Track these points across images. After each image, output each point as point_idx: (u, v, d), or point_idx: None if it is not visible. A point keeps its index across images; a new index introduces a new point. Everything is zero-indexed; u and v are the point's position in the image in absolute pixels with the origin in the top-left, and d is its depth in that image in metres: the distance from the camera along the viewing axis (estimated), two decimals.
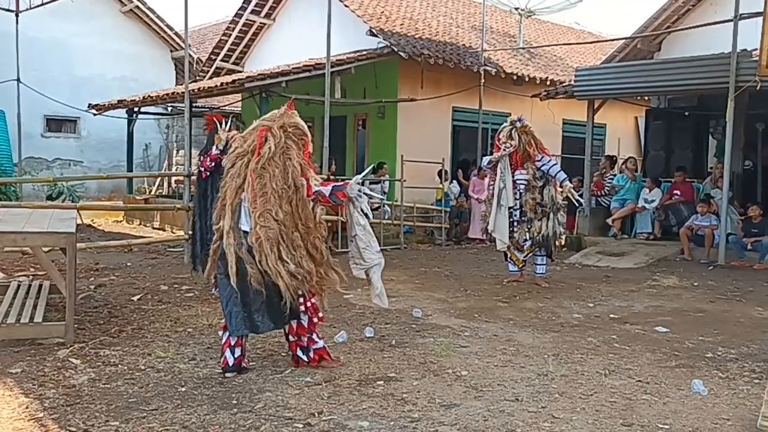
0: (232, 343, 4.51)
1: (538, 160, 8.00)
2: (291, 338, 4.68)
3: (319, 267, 4.46)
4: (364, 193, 4.58)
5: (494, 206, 8.00)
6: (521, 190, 8.01)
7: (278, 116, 4.56)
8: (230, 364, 4.50)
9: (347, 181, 4.61)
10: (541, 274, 8.25)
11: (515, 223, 8.07)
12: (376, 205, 12.43)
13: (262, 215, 4.31)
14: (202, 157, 6.92)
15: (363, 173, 5.07)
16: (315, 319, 4.68)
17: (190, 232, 7.36)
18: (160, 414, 3.79)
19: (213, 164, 6.57)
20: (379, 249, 4.68)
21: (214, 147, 6.69)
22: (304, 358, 4.67)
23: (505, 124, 8.13)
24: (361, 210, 4.57)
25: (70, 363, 4.66)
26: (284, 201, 4.34)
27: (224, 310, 4.53)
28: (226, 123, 6.89)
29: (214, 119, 7.19)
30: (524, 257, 8.21)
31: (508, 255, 8.29)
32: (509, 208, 7.99)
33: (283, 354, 4.98)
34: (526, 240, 8.09)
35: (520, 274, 8.33)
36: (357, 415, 3.83)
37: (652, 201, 11.78)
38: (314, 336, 4.69)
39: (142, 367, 4.62)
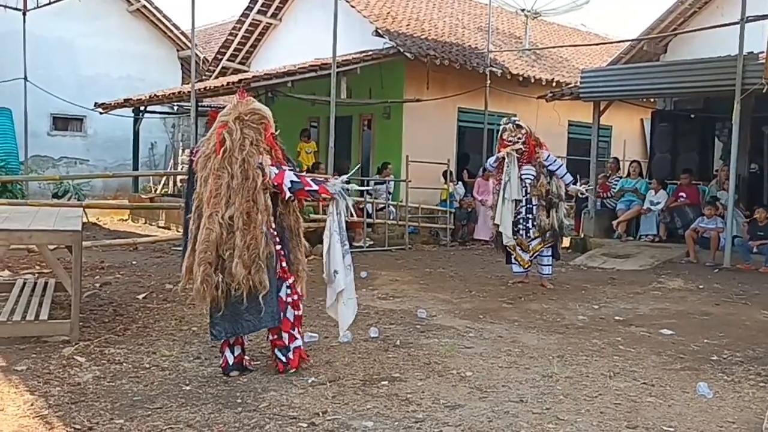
0: (231, 342, 4.49)
1: (545, 159, 8.02)
2: (272, 336, 4.54)
3: (248, 271, 4.19)
4: (346, 192, 4.47)
5: (499, 200, 8.03)
6: (527, 185, 8.01)
7: (233, 107, 4.49)
8: (230, 363, 4.48)
9: (329, 177, 4.54)
10: (547, 275, 8.23)
11: (521, 220, 8.07)
12: (381, 206, 12.44)
13: (210, 217, 4.23)
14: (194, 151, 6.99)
15: (348, 174, 4.99)
16: (298, 313, 4.57)
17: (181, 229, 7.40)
18: (165, 412, 3.79)
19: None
20: (335, 270, 4.46)
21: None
22: (283, 359, 4.49)
23: (503, 126, 8.17)
24: (345, 208, 4.48)
25: (75, 361, 4.67)
26: (239, 197, 4.22)
27: None
28: None
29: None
30: (530, 257, 8.19)
31: (513, 255, 8.27)
32: (516, 202, 8.01)
33: None
34: (532, 239, 8.07)
35: (525, 275, 8.31)
36: (361, 415, 3.83)
37: (658, 203, 11.74)
38: (296, 332, 4.53)
39: (147, 366, 4.63)
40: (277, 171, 4.34)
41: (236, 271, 4.16)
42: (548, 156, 8.09)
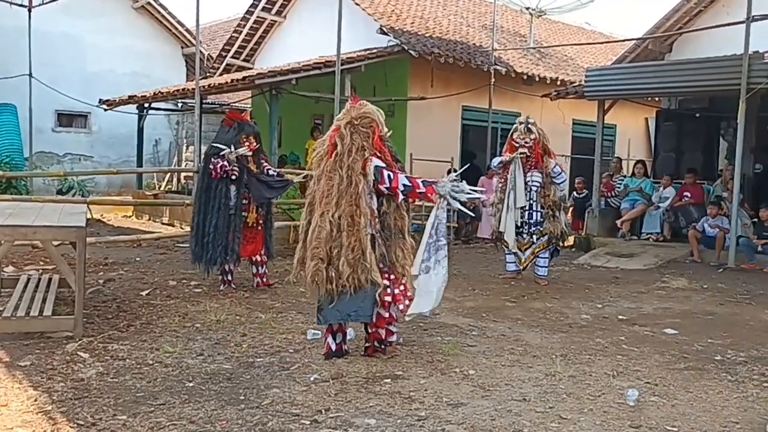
0: (334, 330, 4.80)
1: (552, 169, 8.06)
2: (370, 330, 4.88)
3: (352, 269, 4.52)
4: (457, 193, 4.64)
5: (504, 207, 8.04)
6: (533, 192, 8.02)
7: (346, 112, 4.80)
8: (332, 349, 4.80)
9: (439, 179, 4.77)
10: (542, 275, 8.26)
11: (525, 224, 8.08)
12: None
13: (322, 215, 4.60)
14: (217, 159, 6.94)
15: (458, 171, 5.10)
16: (393, 313, 4.82)
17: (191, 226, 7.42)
18: (168, 409, 3.80)
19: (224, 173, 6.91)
20: (426, 264, 4.71)
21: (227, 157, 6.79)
22: (383, 346, 4.86)
23: (516, 125, 8.15)
24: (458, 207, 4.74)
25: (79, 357, 4.68)
26: (344, 200, 4.54)
27: None
28: (250, 127, 7.07)
29: (235, 119, 7.22)
30: (526, 259, 8.21)
31: (512, 253, 8.32)
32: (520, 208, 8.03)
33: (291, 350, 5.00)
34: (534, 242, 8.10)
35: (518, 272, 8.35)
36: (364, 412, 3.83)
37: (667, 198, 11.69)
38: (392, 327, 4.86)
39: (150, 362, 4.63)
40: (392, 175, 4.60)
41: (343, 269, 4.51)
42: (555, 166, 8.12)
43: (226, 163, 6.84)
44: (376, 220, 4.66)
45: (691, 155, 13.31)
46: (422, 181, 4.68)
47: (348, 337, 5.32)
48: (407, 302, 4.81)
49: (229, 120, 7.29)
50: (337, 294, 4.58)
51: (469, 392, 4.23)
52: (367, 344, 4.94)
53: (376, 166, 4.58)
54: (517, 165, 7.95)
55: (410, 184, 4.62)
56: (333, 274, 4.54)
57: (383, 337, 4.84)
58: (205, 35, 20.75)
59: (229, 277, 7.21)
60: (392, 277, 4.72)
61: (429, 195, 4.63)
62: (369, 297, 4.61)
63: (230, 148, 6.92)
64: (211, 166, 6.92)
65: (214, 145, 7.07)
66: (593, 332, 5.94)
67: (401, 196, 4.66)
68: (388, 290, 4.70)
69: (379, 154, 4.68)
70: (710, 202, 11.07)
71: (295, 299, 6.89)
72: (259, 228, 7.25)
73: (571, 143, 16.39)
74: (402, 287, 4.79)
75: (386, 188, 4.61)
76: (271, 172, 7.28)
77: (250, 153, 7.04)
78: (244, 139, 7.03)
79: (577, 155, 15.91)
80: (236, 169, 6.93)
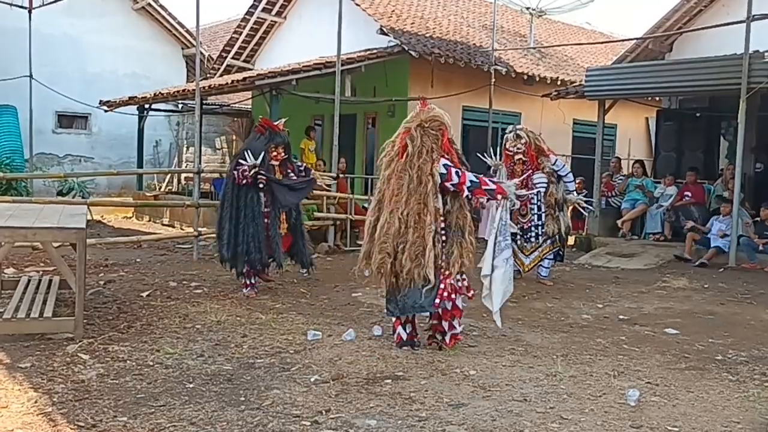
0: (403, 321, 5.09)
1: (553, 163, 8.05)
2: (433, 321, 5.16)
3: (413, 264, 4.78)
4: (516, 195, 5.11)
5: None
6: (541, 193, 8.00)
7: (416, 115, 5.04)
8: (403, 338, 5.09)
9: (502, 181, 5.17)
10: (544, 276, 8.25)
11: (533, 227, 8.09)
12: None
13: (392, 213, 4.88)
14: (243, 164, 6.86)
15: (513, 181, 5.49)
16: (455, 304, 5.02)
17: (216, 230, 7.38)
18: (168, 410, 3.79)
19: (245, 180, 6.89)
20: (492, 264, 5.09)
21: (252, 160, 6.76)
22: (445, 339, 5.09)
23: (507, 134, 8.18)
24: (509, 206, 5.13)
25: (79, 358, 4.67)
26: (413, 198, 4.81)
27: None
28: (280, 137, 7.05)
29: (267, 127, 7.16)
30: (530, 262, 8.19)
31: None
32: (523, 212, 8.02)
33: (291, 351, 4.99)
34: (540, 244, 8.07)
35: (519, 274, 8.32)
36: (364, 413, 3.83)
37: (670, 195, 11.66)
38: (455, 322, 5.07)
39: (151, 363, 4.63)
40: (460, 172, 4.89)
41: (405, 263, 4.82)
42: (556, 161, 8.14)
43: (246, 168, 6.78)
44: (441, 218, 4.90)
45: (692, 155, 13.29)
46: (489, 180, 5.02)
47: (348, 338, 5.34)
48: (471, 293, 5.11)
49: (261, 128, 7.24)
50: (398, 287, 4.90)
51: (469, 393, 4.23)
52: (429, 333, 5.21)
53: (444, 164, 4.85)
54: (500, 172, 7.94)
55: (477, 181, 4.92)
56: (398, 268, 4.84)
57: (445, 329, 5.07)
58: (205, 36, 20.76)
59: (252, 280, 7.12)
60: (448, 272, 4.94)
61: (498, 192, 4.95)
62: (429, 291, 4.85)
63: (259, 157, 6.84)
64: (235, 172, 6.89)
65: (243, 156, 6.95)
66: (594, 332, 5.94)
67: (466, 192, 4.91)
68: (447, 284, 4.92)
69: (447, 156, 4.93)
70: (722, 199, 10.92)
71: (296, 300, 6.89)
72: (289, 234, 7.30)
73: (572, 143, 16.37)
74: (464, 282, 5.05)
75: (453, 185, 4.86)
76: (292, 176, 7.22)
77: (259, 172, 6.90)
78: (273, 149, 7.00)
79: (577, 155, 15.89)
80: (263, 178, 6.87)
